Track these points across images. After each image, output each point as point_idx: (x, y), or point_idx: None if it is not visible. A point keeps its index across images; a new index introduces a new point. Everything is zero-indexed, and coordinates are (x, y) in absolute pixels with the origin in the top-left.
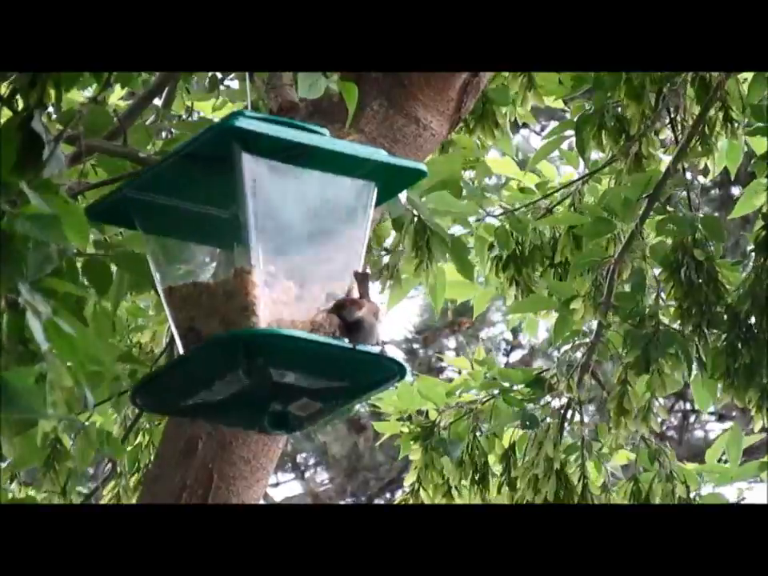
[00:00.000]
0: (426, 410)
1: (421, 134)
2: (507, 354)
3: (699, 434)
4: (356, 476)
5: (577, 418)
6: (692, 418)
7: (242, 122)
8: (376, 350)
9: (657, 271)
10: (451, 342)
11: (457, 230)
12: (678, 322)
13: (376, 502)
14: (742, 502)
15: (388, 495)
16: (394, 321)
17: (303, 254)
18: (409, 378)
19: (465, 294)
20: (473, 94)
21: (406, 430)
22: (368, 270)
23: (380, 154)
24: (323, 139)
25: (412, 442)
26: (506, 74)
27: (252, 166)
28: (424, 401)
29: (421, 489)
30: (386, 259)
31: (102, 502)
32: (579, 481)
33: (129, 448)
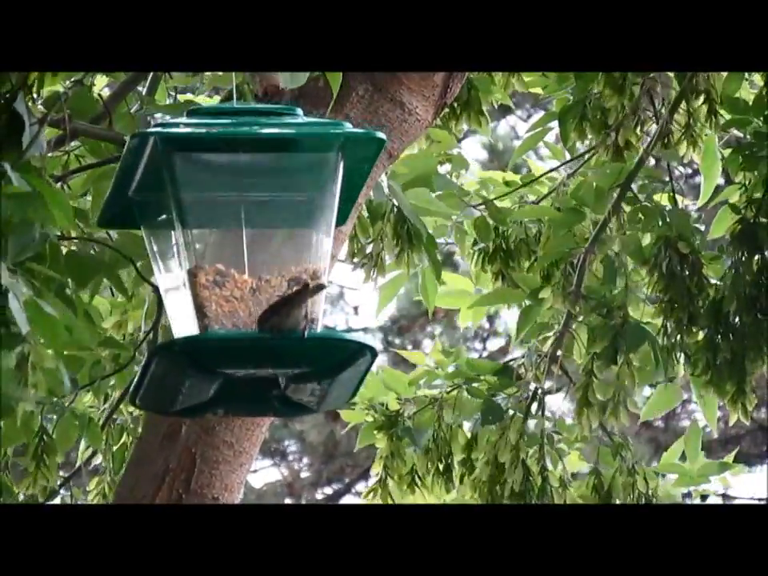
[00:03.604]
0: (386, 401)
1: (406, 119)
2: (484, 341)
3: (686, 422)
4: (333, 463)
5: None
6: (679, 407)
7: (165, 127)
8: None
9: (629, 262)
10: (427, 331)
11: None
12: (661, 317)
13: (353, 489)
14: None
15: (365, 482)
16: (370, 309)
17: (257, 245)
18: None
19: (457, 303)
20: (458, 80)
21: (370, 419)
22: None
23: (338, 129)
24: (266, 126)
25: (376, 431)
26: None
27: (182, 165)
28: (387, 391)
29: (388, 478)
30: (368, 248)
31: (89, 498)
32: (539, 473)
33: (115, 447)
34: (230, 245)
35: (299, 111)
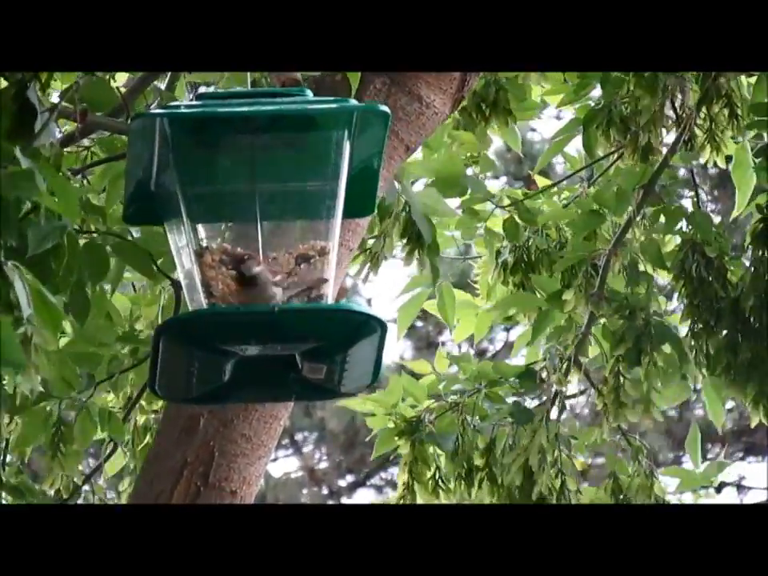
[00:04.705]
0: (401, 408)
1: (423, 112)
2: (507, 330)
3: (699, 412)
4: (353, 451)
5: (564, 412)
6: (693, 397)
7: (167, 108)
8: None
9: (647, 261)
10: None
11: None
12: (688, 320)
13: (373, 479)
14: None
15: (384, 472)
16: (393, 297)
17: (264, 223)
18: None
19: (466, 314)
20: (476, 74)
21: (392, 425)
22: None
23: (344, 105)
24: (269, 104)
25: (397, 437)
26: None
27: (185, 144)
28: (407, 397)
29: (415, 483)
30: (370, 242)
31: (123, 499)
32: (557, 476)
33: (140, 447)
34: (236, 223)
35: (308, 92)
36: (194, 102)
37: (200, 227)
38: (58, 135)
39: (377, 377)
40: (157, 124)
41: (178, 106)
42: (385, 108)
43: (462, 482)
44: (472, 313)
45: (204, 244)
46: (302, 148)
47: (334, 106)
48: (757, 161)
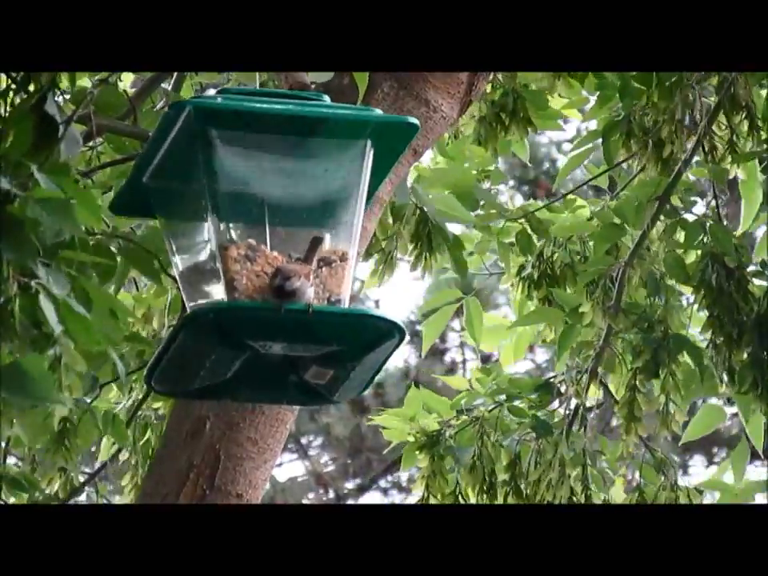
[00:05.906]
0: (426, 424)
1: (431, 116)
2: (531, 349)
3: None
4: (359, 457)
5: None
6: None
7: (204, 99)
8: (341, 309)
9: (668, 276)
10: (456, 324)
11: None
12: (709, 331)
13: (379, 482)
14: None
15: (390, 476)
16: (399, 303)
17: (288, 223)
18: (407, 337)
19: (498, 338)
20: (484, 78)
21: (411, 438)
22: (322, 236)
23: (369, 114)
24: (298, 105)
25: (417, 452)
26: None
27: (217, 140)
28: (428, 413)
29: (431, 497)
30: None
31: (123, 495)
32: (582, 492)
33: (141, 443)
34: (260, 223)
35: (326, 98)
36: (225, 96)
37: (226, 223)
38: (81, 142)
39: (368, 387)
40: (188, 113)
41: (213, 97)
42: (414, 120)
43: (484, 496)
44: (507, 337)
45: (230, 237)
46: (326, 154)
47: (374, 113)
48: (763, 177)
